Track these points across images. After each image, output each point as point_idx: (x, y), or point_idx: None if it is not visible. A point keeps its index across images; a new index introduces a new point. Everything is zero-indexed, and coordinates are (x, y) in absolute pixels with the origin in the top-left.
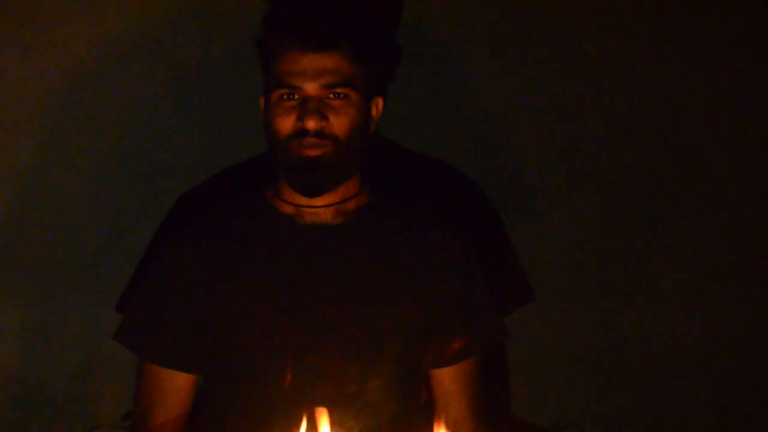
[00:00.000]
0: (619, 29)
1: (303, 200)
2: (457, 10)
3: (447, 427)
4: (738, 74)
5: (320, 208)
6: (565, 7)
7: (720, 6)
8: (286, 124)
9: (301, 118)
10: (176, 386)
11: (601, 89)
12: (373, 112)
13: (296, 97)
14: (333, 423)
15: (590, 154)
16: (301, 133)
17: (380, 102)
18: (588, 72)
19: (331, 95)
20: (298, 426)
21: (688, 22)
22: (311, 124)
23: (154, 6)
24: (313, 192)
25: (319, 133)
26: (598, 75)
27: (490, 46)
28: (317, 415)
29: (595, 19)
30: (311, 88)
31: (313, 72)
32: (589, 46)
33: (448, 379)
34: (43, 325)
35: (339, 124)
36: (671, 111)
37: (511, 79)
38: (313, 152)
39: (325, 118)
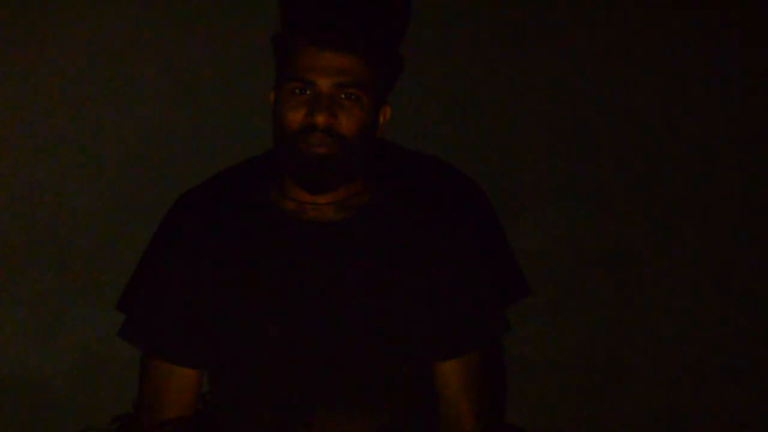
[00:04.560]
0: (616, 30)
1: (305, 197)
2: (457, 11)
3: (450, 422)
4: (737, 74)
5: (323, 205)
6: (563, 8)
7: (719, 6)
8: (296, 118)
9: (311, 113)
10: (181, 382)
11: (600, 88)
12: (381, 119)
13: (308, 92)
14: (339, 419)
15: (588, 152)
16: (310, 128)
17: (388, 110)
18: (586, 71)
19: (343, 95)
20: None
21: (686, 22)
22: (321, 119)
23: (155, 6)
24: (315, 188)
25: (327, 131)
26: (596, 74)
27: (489, 48)
28: None
29: (593, 21)
30: (324, 85)
31: (328, 70)
32: (586, 47)
33: (452, 374)
34: (43, 325)
35: (347, 124)
36: (671, 109)
37: (509, 79)
38: (319, 150)
39: (334, 116)
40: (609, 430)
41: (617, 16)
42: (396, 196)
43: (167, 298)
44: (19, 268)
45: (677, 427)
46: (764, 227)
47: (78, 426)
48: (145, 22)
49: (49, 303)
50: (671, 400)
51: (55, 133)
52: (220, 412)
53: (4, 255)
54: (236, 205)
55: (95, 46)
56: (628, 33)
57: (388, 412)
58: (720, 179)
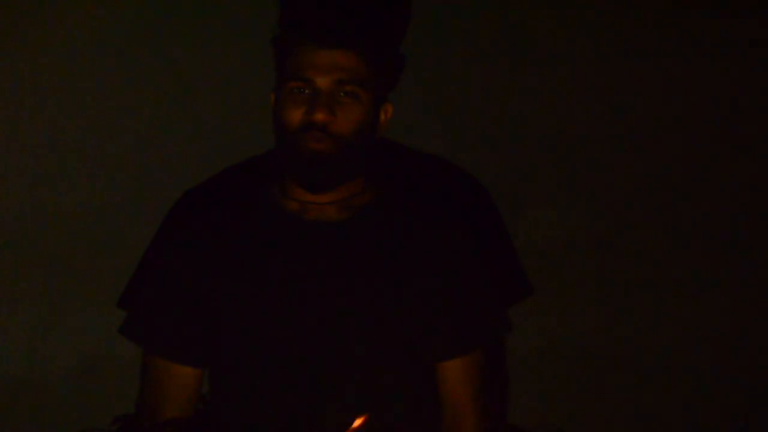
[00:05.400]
0: (617, 30)
1: (308, 197)
2: (457, 12)
3: (452, 421)
4: (737, 74)
5: (325, 204)
6: (564, 9)
7: (716, 6)
8: (295, 116)
9: (309, 111)
10: (181, 381)
11: (600, 88)
12: (382, 117)
13: (307, 91)
14: (339, 418)
15: (589, 152)
16: (309, 126)
17: (389, 109)
18: (587, 71)
19: (342, 92)
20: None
21: (684, 23)
22: (319, 116)
23: (155, 6)
24: (316, 188)
25: (325, 129)
26: (597, 74)
27: (489, 47)
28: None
29: (593, 21)
30: (323, 82)
31: (326, 67)
32: (586, 47)
33: (453, 373)
34: (43, 325)
35: (346, 122)
36: (672, 109)
37: (509, 78)
38: (317, 146)
39: (333, 113)
40: (610, 429)
41: (617, 16)
42: (398, 196)
43: (169, 297)
44: (18, 268)
45: (678, 425)
46: (764, 227)
47: (78, 426)
48: (145, 22)
49: (49, 303)
50: (672, 399)
51: (55, 133)
52: (220, 412)
53: (4, 255)
54: (238, 204)
55: (95, 46)
56: (628, 33)
57: (390, 412)
58: (721, 179)
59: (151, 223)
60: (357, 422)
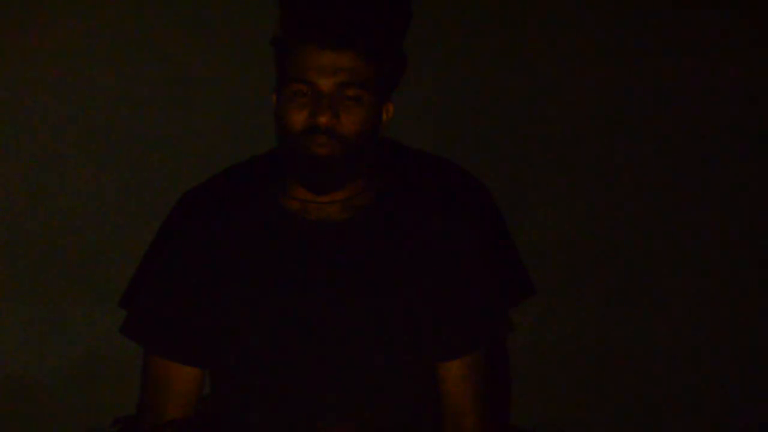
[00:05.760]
0: (618, 30)
1: (309, 196)
2: (458, 12)
3: (452, 422)
4: (737, 75)
5: (326, 204)
6: (565, 11)
7: (718, 7)
8: (298, 119)
9: (313, 114)
10: (182, 381)
11: (601, 89)
12: (384, 117)
13: (309, 93)
14: (341, 420)
15: (589, 152)
16: (312, 129)
17: (391, 108)
18: (588, 72)
19: (345, 94)
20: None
21: (684, 23)
22: (323, 119)
23: (155, 6)
24: (319, 189)
25: (329, 131)
26: (598, 75)
27: (490, 47)
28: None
29: (594, 21)
30: (325, 84)
31: (329, 69)
32: (587, 47)
33: (454, 373)
34: (43, 324)
35: (349, 124)
36: (673, 109)
37: (508, 79)
38: (322, 150)
39: (336, 116)
40: (609, 429)
41: (617, 16)
42: (399, 195)
43: (170, 296)
44: (19, 268)
45: (678, 425)
46: (764, 227)
47: (78, 426)
48: (144, 22)
49: (49, 303)
50: (672, 398)
51: (56, 134)
52: (221, 412)
53: (5, 255)
54: (240, 203)
55: (95, 46)
56: (628, 33)
57: (390, 411)
58: (721, 179)
59: (151, 223)
60: None
